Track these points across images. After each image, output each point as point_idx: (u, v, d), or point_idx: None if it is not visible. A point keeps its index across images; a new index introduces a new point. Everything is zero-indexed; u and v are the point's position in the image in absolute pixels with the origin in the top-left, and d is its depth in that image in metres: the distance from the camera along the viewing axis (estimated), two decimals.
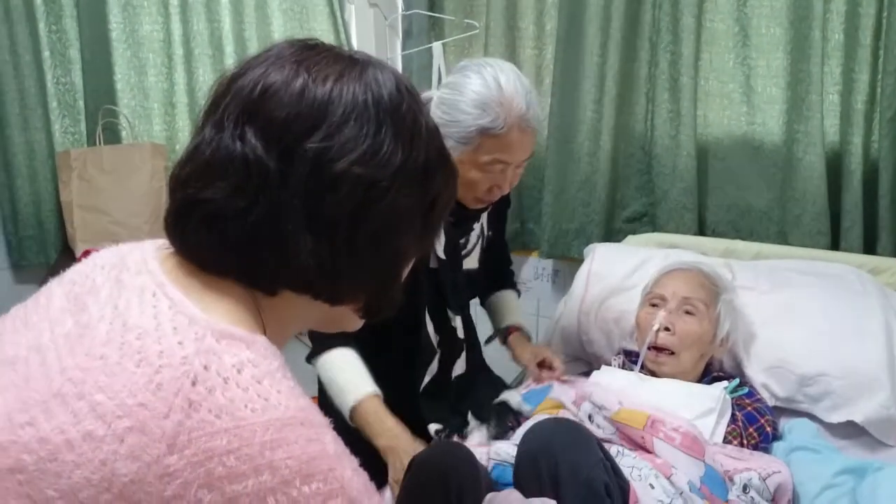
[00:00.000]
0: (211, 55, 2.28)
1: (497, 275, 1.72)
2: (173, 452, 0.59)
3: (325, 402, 1.37)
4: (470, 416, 1.44)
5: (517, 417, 1.47)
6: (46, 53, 2.12)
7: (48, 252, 2.19)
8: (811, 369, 1.54)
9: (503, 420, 1.44)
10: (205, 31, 2.26)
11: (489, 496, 1.12)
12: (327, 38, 2.30)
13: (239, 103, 0.68)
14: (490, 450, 1.32)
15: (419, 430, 1.39)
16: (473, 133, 1.28)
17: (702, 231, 2.09)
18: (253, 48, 2.29)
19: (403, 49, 2.52)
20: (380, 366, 1.38)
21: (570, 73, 2.13)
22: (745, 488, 1.28)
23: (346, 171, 0.67)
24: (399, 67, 2.52)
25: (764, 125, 1.98)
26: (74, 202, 2.10)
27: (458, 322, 1.51)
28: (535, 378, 1.60)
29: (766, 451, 1.44)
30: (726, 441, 1.42)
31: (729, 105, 2.02)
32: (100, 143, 2.18)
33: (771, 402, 1.55)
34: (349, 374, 1.35)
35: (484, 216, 1.56)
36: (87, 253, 0.78)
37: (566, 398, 1.44)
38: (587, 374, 1.64)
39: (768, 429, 1.46)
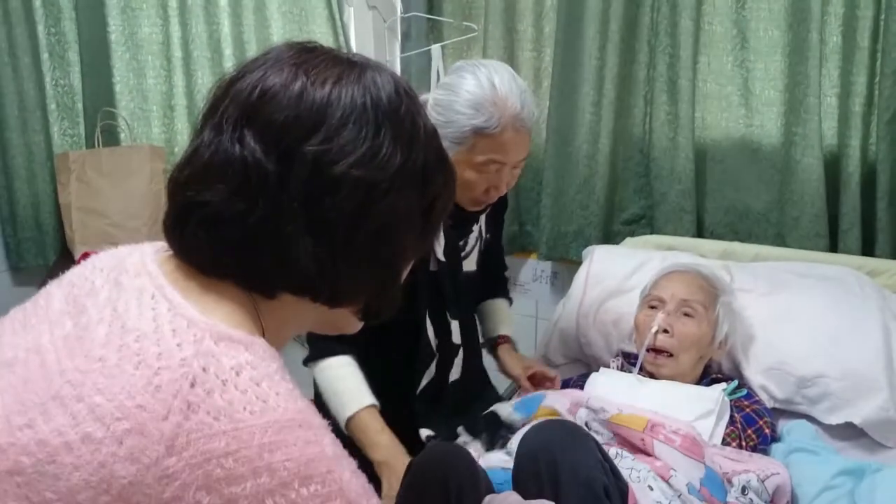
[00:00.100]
0: (210, 58, 2.28)
1: (491, 280, 1.72)
2: (172, 454, 0.59)
3: (319, 406, 1.37)
4: (461, 430, 1.44)
5: (508, 429, 1.46)
6: (45, 55, 2.11)
7: (47, 254, 2.19)
8: (810, 371, 1.54)
9: (494, 432, 1.43)
10: (203, 33, 2.26)
11: (488, 498, 1.12)
12: (326, 40, 2.30)
13: (238, 106, 0.68)
14: (481, 460, 1.31)
15: (412, 433, 1.39)
16: (468, 133, 1.28)
17: (700, 233, 2.09)
18: (252, 51, 2.28)
19: (402, 51, 2.52)
20: (378, 366, 1.38)
21: (569, 76, 2.13)
22: (743, 490, 1.28)
23: (346, 173, 0.67)
24: (398, 70, 2.52)
25: (762, 127, 1.98)
26: (73, 204, 2.10)
27: (455, 326, 1.49)
28: (528, 391, 1.59)
29: (765, 452, 1.45)
30: (725, 443, 1.43)
31: (727, 107, 2.02)
32: (98, 146, 2.18)
33: (769, 404, 1.56)
34: (349, 383, 1.35)
35: (482, 218, 1.56)
36: (85, 255, 0.78)
37: (560, 406, 1.43)
38: (585, 376, 1.65)
39: (767, 430, 1.46)
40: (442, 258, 1.44)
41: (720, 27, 1.98)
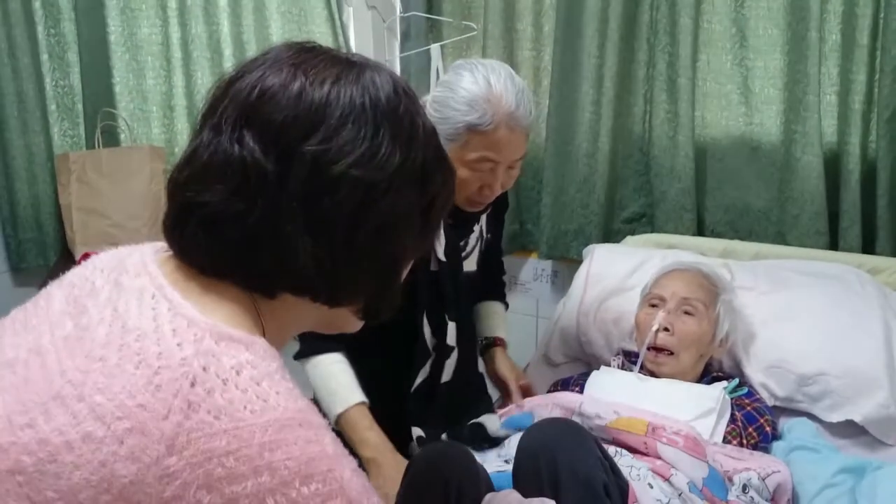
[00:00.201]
0: (209, 58, 2.28)
1: (490, 281, 1.71)
2: (172, 453, 0.59)
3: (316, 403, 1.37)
4: (444, 438, 1.43)
5: (493, 442, 1.44)
6: (45, 56, 2.12)
7: (47, 255, 2.19)
8: (810, 369, 1.54)
9: (478, 446, 1.42)
10: (203, 34, 2.26)
11: (488, 496, 1.12)
12: (326, 40, 2.30)
13: (237, 106, 0.68)
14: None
15: (404, 431, 1.39)
16: (461, 129, 1.28)
17: (700, 231, 2.09)
18: (251, 51, 2.28)
19: (402, 51, 2.52)
20: (373, 364, 1.38)
21: (568, 75, 2.13)
22: (744, 488, 1.28)
23: (345, 173, 0.67)
24: (397, 69, 2.52)
25: (762, 126, 1.98)
26: (73, 205, 2.10)
27: (451, 327, 1.48)
28: (515, 397, 1.58)
29: (766, 450, 1.45)
30: (726, 441, 1.43)
31: (727, 106, 2.02)
32: (98, 146, 2.18)
33: (770, 402, 1.56)
34: (339, 380, 1.36)
35: (483, 218, 1.56)
36: (86, 256, 0.78)
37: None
38: (586, 374, 1.65)
39: (767, 428, 1.46)
40: (443, 258, 1.44)
41: (719, 25, 1.98)
